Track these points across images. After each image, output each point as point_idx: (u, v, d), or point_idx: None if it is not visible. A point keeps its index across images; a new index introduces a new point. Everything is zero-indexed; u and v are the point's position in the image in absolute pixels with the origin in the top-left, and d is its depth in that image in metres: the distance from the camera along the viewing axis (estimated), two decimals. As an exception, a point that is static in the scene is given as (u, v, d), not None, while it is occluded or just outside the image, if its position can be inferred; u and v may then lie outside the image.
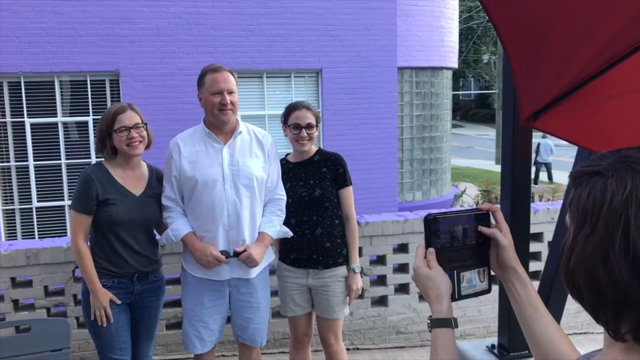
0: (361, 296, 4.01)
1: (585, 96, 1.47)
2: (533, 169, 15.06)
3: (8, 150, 8.04)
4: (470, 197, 14.00)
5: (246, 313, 2.86)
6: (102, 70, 8.09)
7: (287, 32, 8.62)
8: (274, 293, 3.21)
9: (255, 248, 2.75)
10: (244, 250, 2.71)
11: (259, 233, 2.81)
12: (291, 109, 3.03)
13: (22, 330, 3.29)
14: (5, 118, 7.95)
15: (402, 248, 4.27)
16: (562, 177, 15.25)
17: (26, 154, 8.02)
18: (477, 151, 24.64)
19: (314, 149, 3.06)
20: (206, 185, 2.72)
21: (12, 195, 8.12)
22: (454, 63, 12.29)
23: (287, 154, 3.14)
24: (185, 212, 2.83)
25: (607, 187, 0.74)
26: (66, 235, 6.42)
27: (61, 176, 8.16)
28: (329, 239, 2.97)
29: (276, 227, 2.85)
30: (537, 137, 13.56)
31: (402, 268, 4.31)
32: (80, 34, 7.89)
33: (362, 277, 3.14)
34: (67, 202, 8.02)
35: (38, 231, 8.14)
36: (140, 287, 2.80)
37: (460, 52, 19.76)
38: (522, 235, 2.71)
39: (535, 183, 15.35)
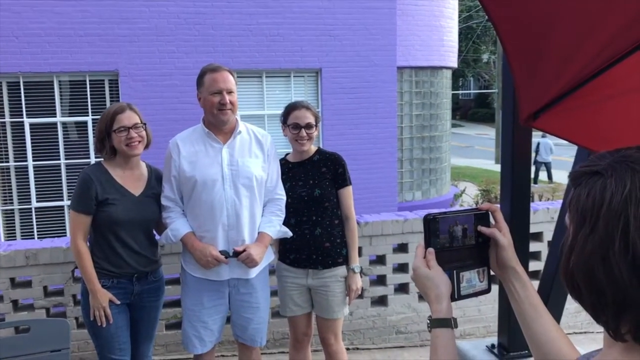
0: (361, 296, 4.00)
1: (585, 96, 1.47)
2: (533, 168, 15.07)
3: (7, 151, 8.03)
4: (469, 196, 14.00)
5: (246, 313, 2.86)
6: (101, 70, 8.08)
7: (287, 31, 8.62)
8: (273, 293, 3.20)
9: (255, 248, 2.74)
10: (244, 250, 2.71)
11: (258, 233, 2.81)
12: (290, 108, 3.02)
13: (21, 331, 3.29)
14: (4, 118, 7.95)
15: (402, 248, 4.27)
16: (561, 177, 15.24)
17: (25, 154, 8.02)
18: (476, 151, 24.64)
19: (313, 148, 3.06)
20: (205, 185, 2.71)
21: (12, 196, 8.11)
22: (454, 62, 12.28)
23: (287, 154, 3.14)
24: (184, 212, 2.83)
25: (607, 187, 0.74)
26: (65, 236, 6.40)
27: (60, 176, 8.16)
28: (329, 239, 2.97)
29: (276, 227, 2.85)
30: (536, 137, 13.56)
31: (401, 268, 4.31)
32: (80, 34, 7.88)
33: (361, 277, 3.14)
34: (66, 203, 8.01)
35: (37, 231, 8.14)
36: (140, 288, 2.80)
37: (460, 51, 19.74)
38: (522, 235, 2.71)
39: (535, 182, 15.35)
